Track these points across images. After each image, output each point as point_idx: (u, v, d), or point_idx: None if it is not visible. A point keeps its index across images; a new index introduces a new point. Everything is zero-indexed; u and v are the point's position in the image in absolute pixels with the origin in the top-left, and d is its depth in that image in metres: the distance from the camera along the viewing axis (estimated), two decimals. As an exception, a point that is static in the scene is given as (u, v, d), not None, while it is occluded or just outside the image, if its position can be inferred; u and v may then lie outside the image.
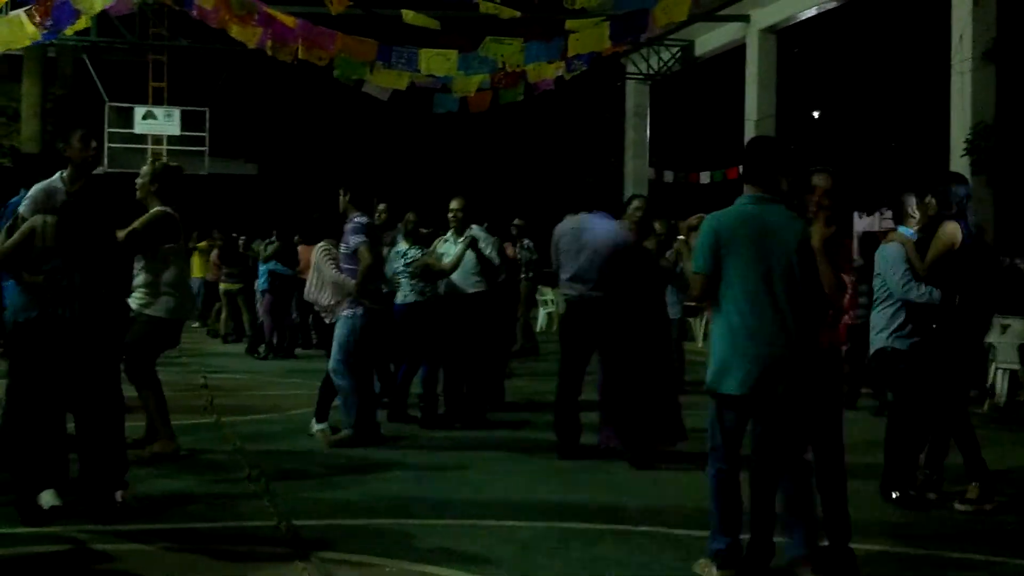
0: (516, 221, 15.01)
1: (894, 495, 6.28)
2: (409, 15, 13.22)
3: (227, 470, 7.04)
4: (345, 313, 7.96)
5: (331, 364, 7.99)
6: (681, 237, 5.51)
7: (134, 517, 5.61)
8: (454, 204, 9.14)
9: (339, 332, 7.98)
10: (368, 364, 8.19)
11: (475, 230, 9.15)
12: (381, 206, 9.87)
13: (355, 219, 7.95)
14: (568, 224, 7.80)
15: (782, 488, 4.76)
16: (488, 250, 9.07)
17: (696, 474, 7.17)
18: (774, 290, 4.62)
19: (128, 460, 6.01)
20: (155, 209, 7.06)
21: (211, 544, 5.27)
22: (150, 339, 7.10)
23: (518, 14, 12.85)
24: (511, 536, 5.50)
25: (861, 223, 21.16)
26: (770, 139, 6.33)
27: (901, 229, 6.64)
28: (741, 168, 5.05)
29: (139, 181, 7.27)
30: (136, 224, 6.81)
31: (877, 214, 20.57)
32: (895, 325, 6.38)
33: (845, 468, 5.02)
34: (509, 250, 11.37)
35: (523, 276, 14.45)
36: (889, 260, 6.42)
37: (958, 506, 6.21)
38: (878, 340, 6.48)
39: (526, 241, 14.86)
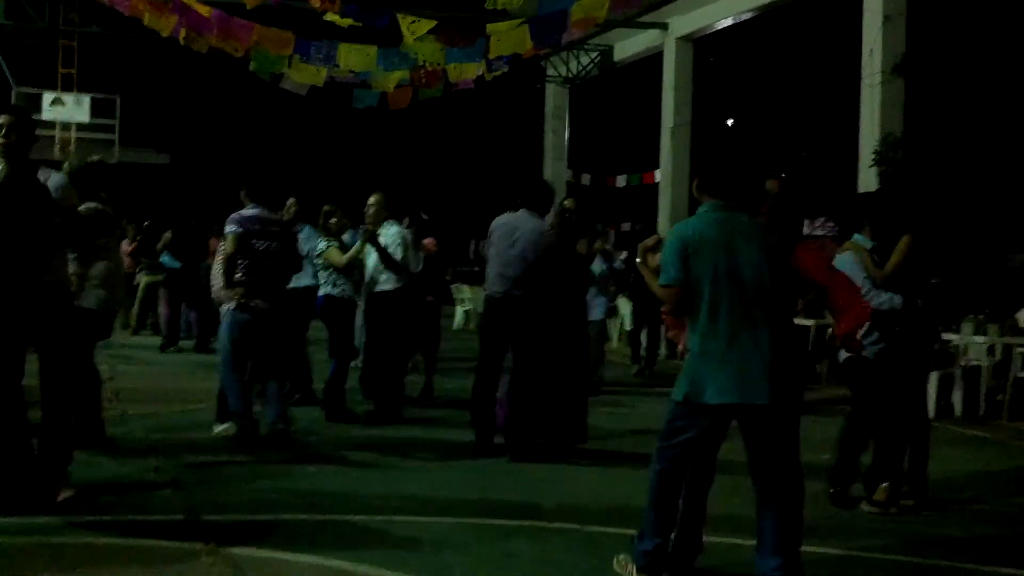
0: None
1: (830, 491, 6.46)
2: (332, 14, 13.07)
3: (133, 462, 6.89)
4: (222, 308, 7.92)
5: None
6: (638, 259, 5.47)
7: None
8: (372, 199, 9.11)
9: (220, 327, 8.00)
10: (253, 360, 7.91)
11: (391, 227, 9.08)
12: (290, 200, 9.74)
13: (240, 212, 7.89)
14: (503, 219, 7.81)
15: (770, 507, 4.56)
16: (397, 247, 8.97)
17: (610, 472, 7.27)
18: (747, 298, 4.54)
19: (68, 456, 5.80)
20: (88, 205, 6.93)
21: (116, 536, 5.14)
22: (82, 331, 6.91)
23: (433, 22, 12.78)
24: (423, 532, 5.46)
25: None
26: (728, 146, 6.36)
27: (856, 237, 6.70)
28: (696, 181, 4.90)
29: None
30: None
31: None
32: (861, 333, 6.35)
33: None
34: (430, 243, 11.19)
35: None
36: (847, 269, 6.40)
37: (864, 507, 6.37)
38: None
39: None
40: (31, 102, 22.20)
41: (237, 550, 4.96)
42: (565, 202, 8.20)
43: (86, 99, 22.73)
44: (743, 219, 4.72)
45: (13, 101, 21.57)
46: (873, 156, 13.65)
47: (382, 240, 8.92)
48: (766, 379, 4.48)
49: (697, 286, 4.56)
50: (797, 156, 24.07)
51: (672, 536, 4.77)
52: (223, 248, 7.84)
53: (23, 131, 5.67)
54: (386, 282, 8.96)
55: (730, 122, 25.94)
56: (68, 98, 22.74)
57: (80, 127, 23.06)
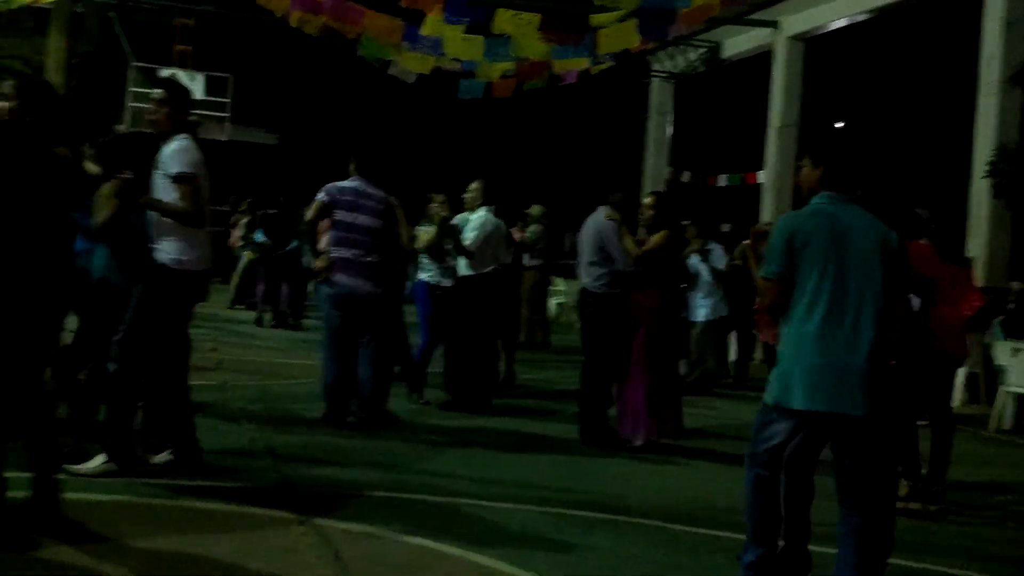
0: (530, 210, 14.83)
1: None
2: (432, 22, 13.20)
3: (230, 431, 7.09)
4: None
5: None
6: (746, 241, 5.42)
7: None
8: (472, 185, 9.32)
9: None
10: (351, 342, 7.70)
11: (479, 211, 9.19)
12: None
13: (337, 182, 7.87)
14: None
15: (853, 525, 4.29)
16: (470, 236, 9.01)
17: (695, 470, 7.25)
18: (851, 298, 4.24)
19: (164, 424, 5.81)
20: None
21: (210, 501, 5.30)
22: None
23: (538, 17, 12.78)
24: (507, 518, 5.53)
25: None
26: (851, 137, 6.17)
27: None
28: (821, 170, 4.50)
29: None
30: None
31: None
32: None
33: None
34: (516, 234, 11.30)
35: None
36: None
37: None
38: None
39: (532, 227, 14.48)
40: (147, 77, 22.86)
41: (326, 521, 5.09)
42: (645, 200, 8.22)
43: (200, 77, 23.32)
44: (856, 212, 4.40)
45: (130, 76, 22.31)
46: (986, 167, 13.26)
47: (471, 224, 9.05)
48: (862, 388, 4.20)
49: (800, 282, 4.29)
50: (908, 162, 23.52)
51: (779, 544, 4.52)
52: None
53: (174, 104, 5.88)
54: (465, 268, 9.08)
55: (839, 125, 25.47)
56: (183, 75, 23.32)
57: (193, 104, 23.68)
